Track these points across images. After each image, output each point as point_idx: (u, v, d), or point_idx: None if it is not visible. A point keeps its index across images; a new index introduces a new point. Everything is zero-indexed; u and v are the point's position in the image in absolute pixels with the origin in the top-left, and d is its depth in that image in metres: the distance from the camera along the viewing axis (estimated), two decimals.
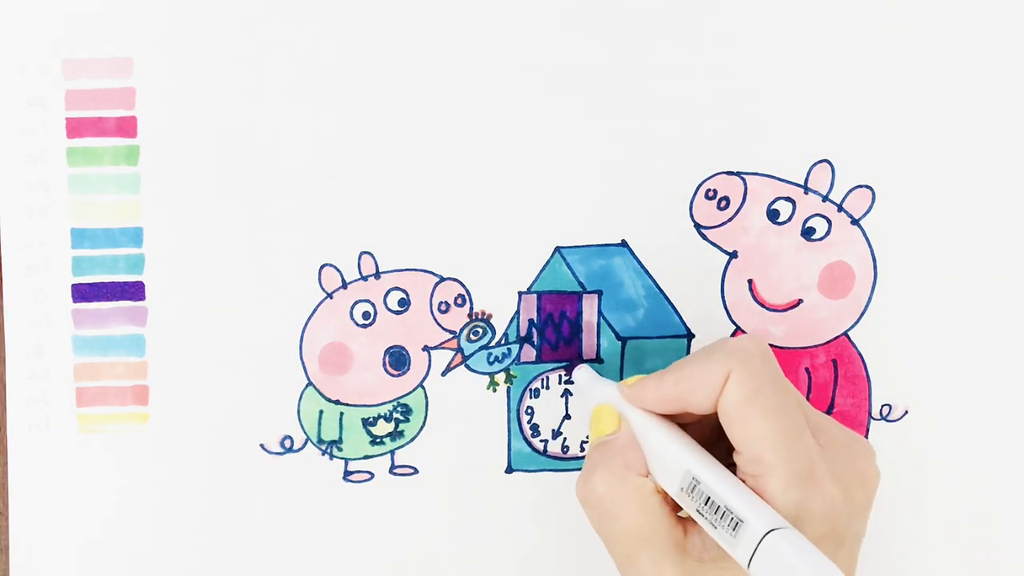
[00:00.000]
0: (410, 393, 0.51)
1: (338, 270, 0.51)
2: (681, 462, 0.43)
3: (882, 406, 0.52)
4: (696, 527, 0.43)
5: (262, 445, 0.51)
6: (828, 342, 0.52)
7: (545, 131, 0.50)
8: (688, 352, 0.52)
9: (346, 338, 0.51)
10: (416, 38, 0.50)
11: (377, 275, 0.51)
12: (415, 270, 0.51)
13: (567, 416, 0.52)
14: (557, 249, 0.51)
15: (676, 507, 0.44)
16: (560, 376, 0.52)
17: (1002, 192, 0.51)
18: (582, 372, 0.50)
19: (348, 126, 0.50)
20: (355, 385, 0.51)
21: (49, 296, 0.50)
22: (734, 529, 0.40)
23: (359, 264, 0.51)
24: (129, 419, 0.51)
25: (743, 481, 0.42)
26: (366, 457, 0.52)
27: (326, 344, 0.51)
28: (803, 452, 0.42)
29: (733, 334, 0.52)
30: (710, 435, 0.45)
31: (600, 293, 0.51)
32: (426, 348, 0.51)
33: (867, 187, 0.51)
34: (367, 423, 0.51)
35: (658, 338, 0.51)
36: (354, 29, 0.50)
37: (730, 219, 0.51)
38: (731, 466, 0.43)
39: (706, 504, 0.41)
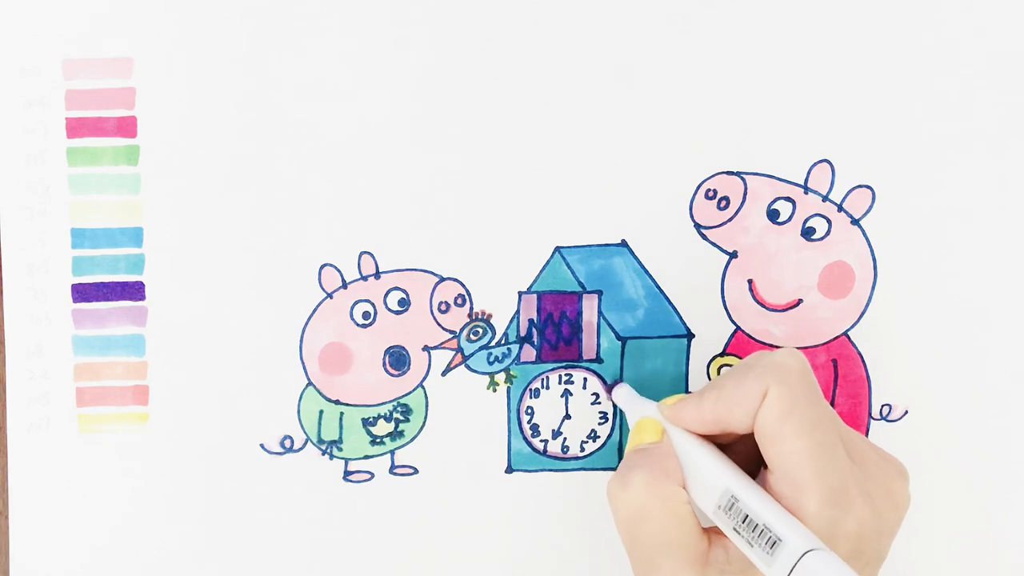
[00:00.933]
0: (410, 393, 0.51)
1: (338, 270, 0.51)
2: (720, 480, 0.43)
3: (882, 406, 0.52)
4: (720, 540, 0.43)
5: (262, 445, 0.51)
6: (828, 342, 0.52)
7: (545, 131, 0.50)
8: (688, 352, 0.52)
9: (346, 338, 0.51)
10: (416, 38, 0.50)
11: (377, 275, 0.51)
12: (415, 270, 0.51)
13: (567, 416, 0.52)
14: (557, 249, 0.51)
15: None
16: (560, 376, 0.52)
17: (1002, 192, 0.51)
18: (622, 390, 0.50)
19: (348, 126, 0.50)
20: (355, 385, 0.51)
21: (49, 296, 0.50)
22: (771, 548, 0.40)
23: (359, 264, 0.51)
24: (129, 419, 0.51)
25: (777, 500, 0.42)
26: (366, 457, 0.52)
27: (326, 344, 0.51)
28: (837, 470, 0.41)
29: (734, 335, 0.52)
30: (747, 456, 0.45)
31: (600, 293, 0.51)
32: (426, 348, 0.51)
33: (867, 187, 0.51)
34: (367, 423, 0.51)
35: (658, 338, 0.51)
36: (354, 29, 0.50)
37: (730, 219, 0.51)
38: (764, 485, 0.43)
39: (743, 522, 0.41)
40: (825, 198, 0.51)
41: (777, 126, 0.51)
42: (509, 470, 0.52)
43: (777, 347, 0.51)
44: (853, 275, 0.52)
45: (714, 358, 0.52)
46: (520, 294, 0.51)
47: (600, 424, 0.52)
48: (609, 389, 0.51)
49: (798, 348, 0.52)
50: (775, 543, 0.40)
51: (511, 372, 0.51)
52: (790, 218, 0.51)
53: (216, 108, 0.50)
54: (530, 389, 0.52)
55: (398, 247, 0.51)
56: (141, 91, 0.50)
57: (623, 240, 0.51)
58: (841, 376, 0.52)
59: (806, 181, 0.51)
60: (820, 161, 0.51)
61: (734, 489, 0.42)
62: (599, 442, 0.52)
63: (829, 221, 0.51)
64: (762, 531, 0.40)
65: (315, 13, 0.50)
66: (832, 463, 0.41)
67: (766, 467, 0.43)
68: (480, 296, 0.51)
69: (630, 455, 0.45)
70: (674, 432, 0.46)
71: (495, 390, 0.52)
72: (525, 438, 0.52)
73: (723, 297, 0.51)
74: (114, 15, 0.49)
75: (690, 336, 0.52)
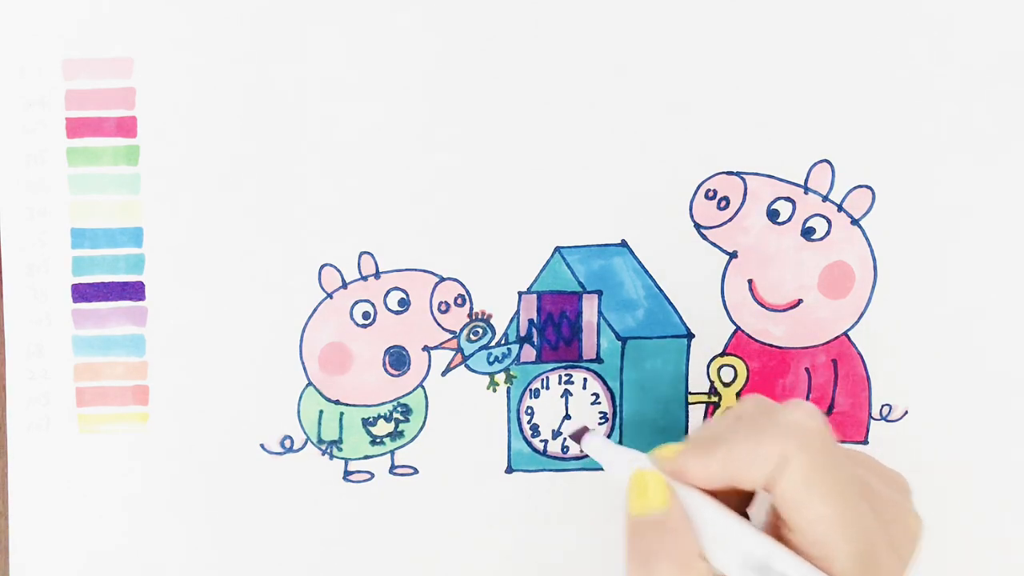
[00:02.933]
0: (410, 393, 0.51)
1: (338, 270, 0.51)
2: (742, 542, 0.41)
3: (882, 406, 0.52)
4: None
5: (262, 445, 0.51)
6: (828, 342, 0.52)
7: (545, 131, 0.50)
8: (688, 352, 0.51)
9: (346, 338, 0.51)
10: (416, 39, 0.50)
11: (377, 275, 0.51)
12: (415, 270, 0.51)
13: (567, 416, 0.52)
14: (557, 249, 0.51)
15: None
16: (560, 376, 0.52)
17: (1002, 192, 0.51)
18: (594, 439, 0.46)
19: (348, 126, 0.50)
20: (355, 385, 0.51)
21: (49, 296, 0.50)
22: None
23: (359, 264, 0.51)
24: (129, 419, 0.51)
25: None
26: (366, 457, 0.52)
27: (326, 344, 0.51)
28: (865, 531, 0.40)
29: (734, 335, 0.52)
30: (745, 504, 0.44)
31: (600, 293, 0.51)
32: (426, 348, 0.51)
33: (867, 187, 0.51)
34: (367, 423, 0.51)
35: (658, 338, 0.51)
36: (354, 29, 0.50)
37: (730, 219, 0.51)
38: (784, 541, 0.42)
39: None
40: (825, 198, 0.51)
41: (777, 126, 0.51)
42: (509, 470, 0.52)
43: (777, 347, 0.51)
44: (853, 275, 0.52)
45: (714, 358, 0.52)
46: (520, 294, 0.51)
47: (600, 424, 0.52)
48: (576, 437, 0.46)
49: (798, 348, 0.52)
50: None
51: (511, 372, 0.51)
52: (790, 218, 0.51)
53: (216, 108, 0.50)
54: (530, 389, 0.52)
55: (398, 247, 0.51)
56: (141, 91, 0.50)
57: (623, 240, 0.51)
58: (841, 376, 0.52)
59: (806, 181, 0.51)
60: (820, 161, 0.51)
61: (760, 552, 0.40)
62: None
63: (829, 221, 0.51)
64: None
65: (315, 13, 0.50)
66: (859, 524, 0.40)
67: (781, 520, 0.41)
68: (480, 296, 0.51)
69: (641, 534, 0.41)
70: (681, 490, 0.42)
71: (495, 390, 0.52)
72: (525, 438, 0.52)
73: (723, 297, 0.51)
74: (114, 15, 0.49)
75: (690, 336, 0.51)
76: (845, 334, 0.52)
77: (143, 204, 0.50)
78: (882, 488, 0.43)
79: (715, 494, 0.42)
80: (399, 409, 0.51)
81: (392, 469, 0.52)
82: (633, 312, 0.51)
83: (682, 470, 0.42)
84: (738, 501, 0.43)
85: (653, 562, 0.40)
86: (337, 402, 0.51)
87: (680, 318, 0.51)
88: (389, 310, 0.51)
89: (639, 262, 0.51)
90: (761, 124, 0.51)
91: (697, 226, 0.51)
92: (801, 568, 0.40)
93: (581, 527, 0.52)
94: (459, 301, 0.51)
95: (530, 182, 0.51)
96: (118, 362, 0.51)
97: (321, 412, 0.51)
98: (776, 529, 0.42)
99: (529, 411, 0.52)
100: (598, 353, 0.51)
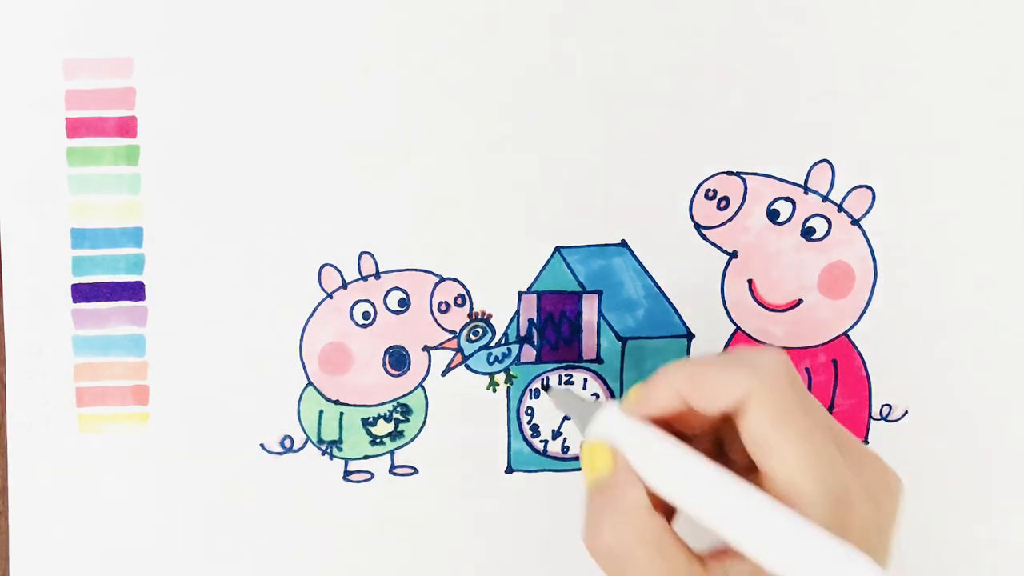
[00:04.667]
0: (410, 393, 0.51)
1: (338, 270, 0.51)
2: (700, 474, 0.41)
3: (882, 406, 0.52)
4: (715, 559, 0.41)
5: (262, 445, 0.51)
6: (828, 342, 0.52)
7: (545, 131, 0.50)
8: (688, 353, 0.51)
9: (346, 338, 0.51)
10: (416, 38, 0.50)
11: (377, 275, 0.51)
12: (415, 270, 0.51)
13: (567, 416, 0.52)
14: (557, 249, 0.51)
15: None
16: (560, 376, 0.52)
17: (1002, 192, 0.51)
18: (560, 393, 0.48)
19: (348, 126, 0.50)
20: (355, 385, 0.51)
21: (49, 296, 0.50)
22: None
23: (359, 264, 0.51)
24: (129, 419, 0.51)
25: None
26: (366, 457, 0.52)
27: (326, 344, 0.51)
28: (836, 474, 0.41)
29: (734, 335, 0.52)
30: (709, 445, 0.44)
31: (600, 293, 0.51)
32: (426, 348, 0.51)
33: (867, 187, 0.51)
34: (367, 423, 0.51)
35: (658, 338, 0.51)
36: (354, 29, 0.50)
37: (730, 219, 0.51)
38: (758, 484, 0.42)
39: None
40: (825, 198, 0.51)
41: (777, 126, 0.51)
42: (509, 470, 0.52)
43: (777, 348, 0.52)
44: (853, 275, 0.52)
45: None
46: (520, 294, 0.51)
47: None
48: (546, 388, 0.49)
49: (798, 348, 0.52)
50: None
51: (511, 372, 0.51)
52: (790, 218, 0.51)
53: (216, 108, 0.50)
54: (530, 389, 0.52)
55: (398, 247, 0.51)
56: (141, 91, 0.50)
57: (623, 240, 0.51)
58: (841, 376, 0.52)
59: (806, 181, 0.51)
60: (820, 161, 0.51)
61: (714, 483, 0.40)
62: None
63: (829, 221, 0.51)
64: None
65: (315, 13, 0.50)
66: (830, 467, 0.41)
67: (756, 468, 0.42)
68: (480, 296, 0.51)
69: (592, 496, 0.42)
70: (633, 450, 0.42)
71: (495, 390, 0.52)
72: (525, 438, 0.52)
73: (723, 297, 0.51)
74: (114, 15, 0.49)
75: (690, 336, 0.52)
76: (845, 334, 0.52)
77: (143, 204, 0.50)
78: (855, 441, 0.43)
79: (687, 439, 0.43)
80: (399, 409, 0.51)
81: (392, 469, 0.52)
82: (633, 312, 0.51)
83: (647, 402, 0.42)
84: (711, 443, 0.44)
85: (599, 520, 0.42)
86: (337, 402, 0.51)
87: (680, 318, 0.51)
88: (389, 310, 0.51)
89: (639, 262, 0.51)
90: (761, 124, 0.51)
91: (697, 226, 0.51)
92: (756, 496, 0.40)
93: (581, 527, 0.52)
94: (459, 301, 0.51)
95: (530, 182, 0.51)
96: (118, 362, 0.51)
97: (321, 412, 0.51)
98: (755, 478, 0.42)
99: (529, 411, 0.52)
100: (598, 353, 0.51)
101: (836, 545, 0.38)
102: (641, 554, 0.41)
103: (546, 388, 0.51)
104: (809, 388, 0.52)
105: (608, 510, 0.42)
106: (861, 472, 0.42)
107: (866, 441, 0.52)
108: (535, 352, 0.51)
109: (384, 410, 0.51)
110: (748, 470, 0.42)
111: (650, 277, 0.51)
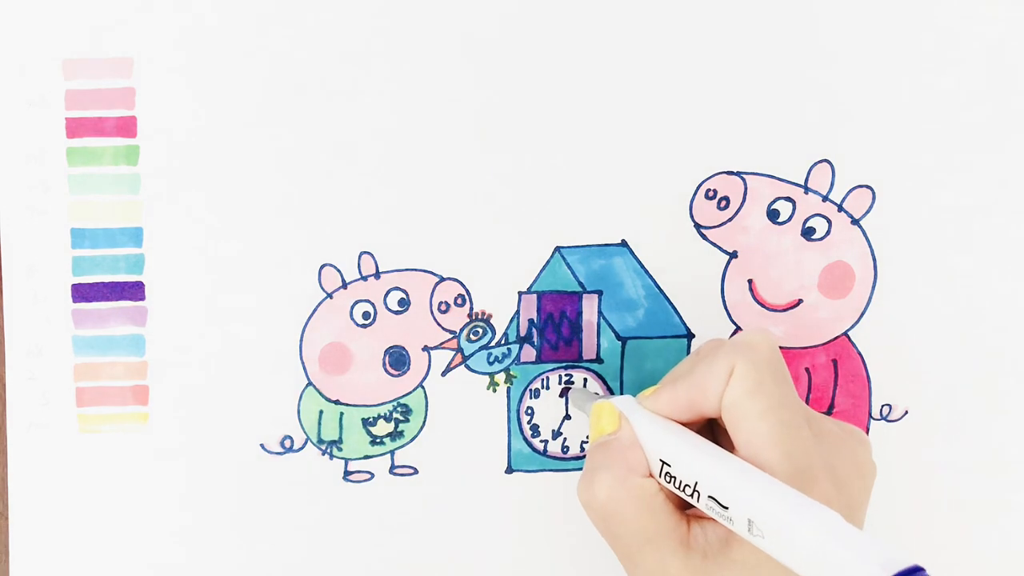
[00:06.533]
0: (410, 393, 0.51)
1: (338, 270, 0.51)
2: (696, 458, 0.42)
3: (882, 406, 0.52)
4: (700, 522, 0.43)
5: (262, 445, 0.51)
6: (828, 342, 0.52)
7: (545, 131, 0.50)
8: (688, 352, 0.52)
9: (346, 338, 0.51)
10: (416, 38, 0.50)
11: (377, 275, 0.51)
12: (415, 270, 0.51)
13: (567, 416, 0.52)
14: (557, 249, 0.51)
15: (679, 503, 0.44)
16: (560, 376, 0.52)
17: (1002, 192, 0.51)
18: (579, 393, 0.51)
19: (348, 126, 0.50)
20: (355, 385, 0.51)
21: (49, 296, 0.50)
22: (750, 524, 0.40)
23: (359, 264, 0.51)
24: (129, 419, 0.51)
25: None
26: (366, 457, 0.52)
27: (326, 344, 0.51)
28: (801, 448, 0.42)
29: (733, 334, 0.52)
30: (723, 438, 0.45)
31: (600, 293, 0.51)
32: (426, 348, 0.51)
33: (867, 187, 0.51)
34: (367, 423, 0.51)
35: (658, 338, 0.51)
36: (354, 29, 0.50)
37: (730, 219, 0.51)
38: None
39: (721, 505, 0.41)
40: (825, 198, 0.51)
41: (777, 126, 0.51)
42: (509, 470, 0.52)
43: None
44: (853, 275, 0.52)
45: None
46: (520, 294, 0.51)
47: None
48: (568, 389, 0.51)
49: (798, 348, 0.52)
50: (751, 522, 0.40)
51: (511, 372, 0.51)
52: (790, 218, 0.51)
53: (216, 108, 0.50)
54: (530, 389, 0.52)
55: (398, 247, 0.51)
56: (141, 91, 0.50)
57: (623, 240, 0.51)
58: (841, 376, 0.52)
59: (806, 181, 0.51)
60: (820, 161, 0.51)
61: (708, 469, 0.42)
62: None
63: (829, 221, 0.51)
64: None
65: (315, 13, 0.50)
66: (796, 442, 0.42)
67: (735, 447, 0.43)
68: (480, 296, 0.51)
69: (591, 453, 0.45)
70: (637, 417, 0.45)
71: (495, 390, 0.52)
72: (525, 438, 0.52)
73: (723, 297, 0.51)
74: (114, 15, 0.49)
75: (690, 336, 0.52)
76: (845, 334, 0.52)
77: (143, 204, 0.50)
78: (833, 427, 0.45)
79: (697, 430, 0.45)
80: (399, 409, 0.51)
81: (392, 469, 0.52)
82: (633, 312, 0.51)
83: (654, 405, 0.45)
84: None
85: (596, 474, 0.44)
86: (337, 402, 0.51)
87: (680, 318, 0.51)
88: (389, 310, 0.51)
89: (639, 262, 0.51)
90: (761, 124, 0.51)
91: (697, 226, 0.51)
92: (733, 460, 0.41)
93: (581, 527, 0.52)
94: (459, 301, 0.51)
95: (530, 182, 0.51)
96: (118, 362, 0.51)
97: (321, 412, 0.51)
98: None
99: (529, 411, 0.52)
100: (598, 353, 0.51)
101: (797, 495, 0.39)
102: (630, 510, 0.43)
103: (568, 388, 0.51)
104: (809, 388, 0.52)
105: (605, 465, 0.44)
106: (831, 451, 0.43)
107: None
108: (535, 352, 0.51)
109: (384, 410, 0.51)
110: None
111: (650, 277, 0.51)
